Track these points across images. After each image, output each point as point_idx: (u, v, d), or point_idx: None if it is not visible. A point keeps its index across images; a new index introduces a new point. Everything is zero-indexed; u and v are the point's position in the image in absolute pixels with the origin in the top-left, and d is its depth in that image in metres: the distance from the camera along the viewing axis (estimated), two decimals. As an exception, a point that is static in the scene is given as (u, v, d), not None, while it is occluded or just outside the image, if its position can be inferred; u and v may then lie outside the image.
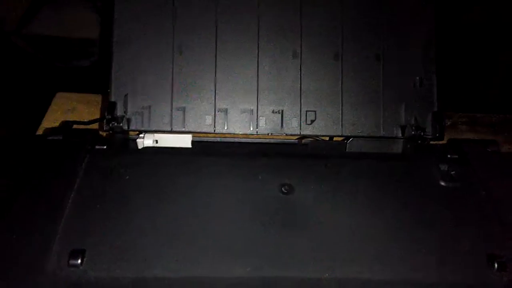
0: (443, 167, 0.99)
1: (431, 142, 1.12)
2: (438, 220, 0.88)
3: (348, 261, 0.80)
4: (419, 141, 1.10)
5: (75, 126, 1.10)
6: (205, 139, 1.14)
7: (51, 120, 1.44)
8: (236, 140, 1.16)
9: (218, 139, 1.15)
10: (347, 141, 1.14)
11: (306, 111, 1.13)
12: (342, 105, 1.13)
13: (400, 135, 1.13)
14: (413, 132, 1.10)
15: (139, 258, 0.78)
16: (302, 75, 1.13)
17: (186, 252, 0.79)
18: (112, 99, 1.09)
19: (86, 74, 1.98)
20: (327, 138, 1.18)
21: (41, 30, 2.03)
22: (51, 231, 0.79)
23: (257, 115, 1.12)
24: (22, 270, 0.73)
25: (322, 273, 0.78)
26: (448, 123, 1.63)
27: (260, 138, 1.15)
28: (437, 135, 1.11)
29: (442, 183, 0.96)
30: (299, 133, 1.13)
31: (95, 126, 1.21)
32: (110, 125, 1.05)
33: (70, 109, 1.51)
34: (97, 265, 0.76)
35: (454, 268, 0.80)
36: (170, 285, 0.74)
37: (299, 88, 1.13)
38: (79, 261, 0.75)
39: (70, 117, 1.43)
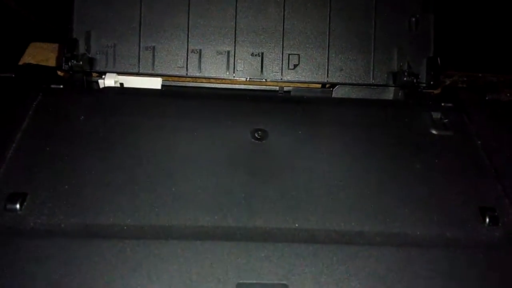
0: (436, 115, 0.89)
1: (425, 91, 1.02)
2: (427, 170, 0.79)
3: (322, 212, 0.71)
4: (412, 89, 1.00)
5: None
6: (176, 83, 1.04)
7: (23, 70, 1.33)
8: (211, 86, 1.05)
9: (191, 84, 1.04)
10: (333, 88, 1.04)
11: (289, 54, 1.02)
12: (328, 48, 1.02)
13: (391, 82, 1.03)
14: (405, 79, 0.99)
15: (87, 205, 0.69)
16: (285, 13, 1.02)
17: (143, 199, 0.70)
18: (73, 36, 0.98)
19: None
20: (319, 86, 1.08)
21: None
22: None
23: (235, 58, 1.02)
24: None
25: (292, 223, 0.69)
26: (448, 82, 1.53)
27: (237, 84, 1.05)
28: (432, 82, 1.01)
29: (434, 131, 0.86)
30: (280, 78, 1.02)
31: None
32: (70, 64, 0.95)
33: (44, 60, 1.40)
34: (39, 211, 0.67)
35: (442, 221, 0.71)
36: (120, 233, 0.66)
37: (281, 28, 1.02)
38: (18, 205, 0.67)
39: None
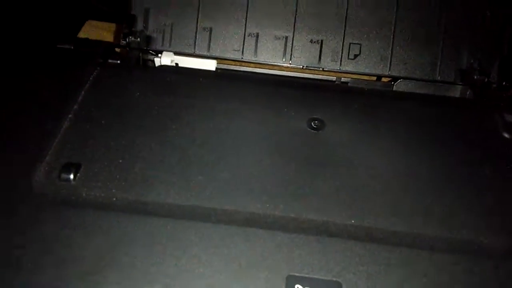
0: (509, 117, 0.82)
1: (497, 91, 0.94)
2: (498, 176, 0.73)
3: (381, 210, 0.67)
4: (482, 89, 0.93)
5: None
6: (231, 67, 1.02)
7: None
8: (265, 71, 1.02)
9: (244, 69, 1.02)
10: (394, 82, 0.99)
11: (350, 43, 0.97)
12: (393, 39, 0.96)
13: (459, 80, 0.96)
14: (475, 77, 0.92)
15: (140, 180, 0.68)
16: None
17: (195, 180, 0.68)
18: (132, 12, 0.98)
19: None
20: (374, 79, 1.03)
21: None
22: (45, 142, 0.70)
23: (292, 44, 0.98)
24: (6, 180, 0.65)
25: (348, 219, 0.65)
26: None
27: (293, 72, 1.02)
28: (504, 83, 0.93)
29: (506, 135, 0.79)
30: (338, 68, 0.98)
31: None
32: (127, 40, 0.95)
33: (99, 39, 1.42)
34: (92, 182, 0.66)
35: (508, 233, 0.65)
36: (172, 212, 0.64)
37: (344, 15, 0.97)
38: (72, 175, 0.66)
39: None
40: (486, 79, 0.93)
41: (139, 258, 0.58)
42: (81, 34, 1.40)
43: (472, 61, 0.95)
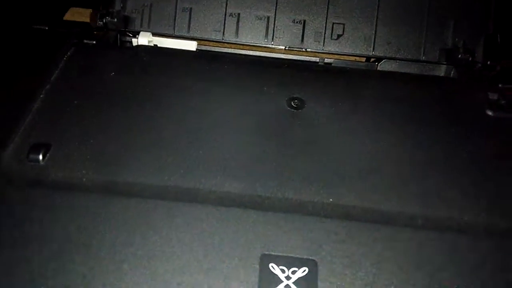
0: (493, 95, 0.80)
1: (481, 70, 0.93)
2: (480, 153, 0.71)
3: (360, 188, 0.65)
4: (467, 68, 0.92)
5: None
6: (211, 49, 0.99)
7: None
8: (247, 53, 1.00)
9: (226, 50, 0.99)
10: (378, 63, 0.97)
11: (333, 23, 0.95)
12: (377, 19, 0.94)
13: (443, 60, 0.94)
14: (460, 56, 0.91)
15: (111, 161, 0.66)
16: None
17: (168, 159, 0.66)
18: (110, -7, 0.95)
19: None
20: (363, 60, 1.01)
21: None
22: (15, 122, 0.68)
23: (274, 24, 0.96)
24: None
25: (326, 197, 0.63)
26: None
27: (275, 53, 1.00)
28: (489, 62, 0.92)
29: (489, 113, 0.78)
30: (321, 49, 0.96)
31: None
32: (104, 20, 0.92)
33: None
34: (62, 163, 0.64)
35: (494, 210, 0.64)
36: (144, 192, 0.62)
37: None
38: (41, 156, 0.64)
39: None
40: (470, 58, 0.91)
41: (108, 238, 0.56)
42: (65, 20, 1.37)
43: (456, 40, 0.93)
